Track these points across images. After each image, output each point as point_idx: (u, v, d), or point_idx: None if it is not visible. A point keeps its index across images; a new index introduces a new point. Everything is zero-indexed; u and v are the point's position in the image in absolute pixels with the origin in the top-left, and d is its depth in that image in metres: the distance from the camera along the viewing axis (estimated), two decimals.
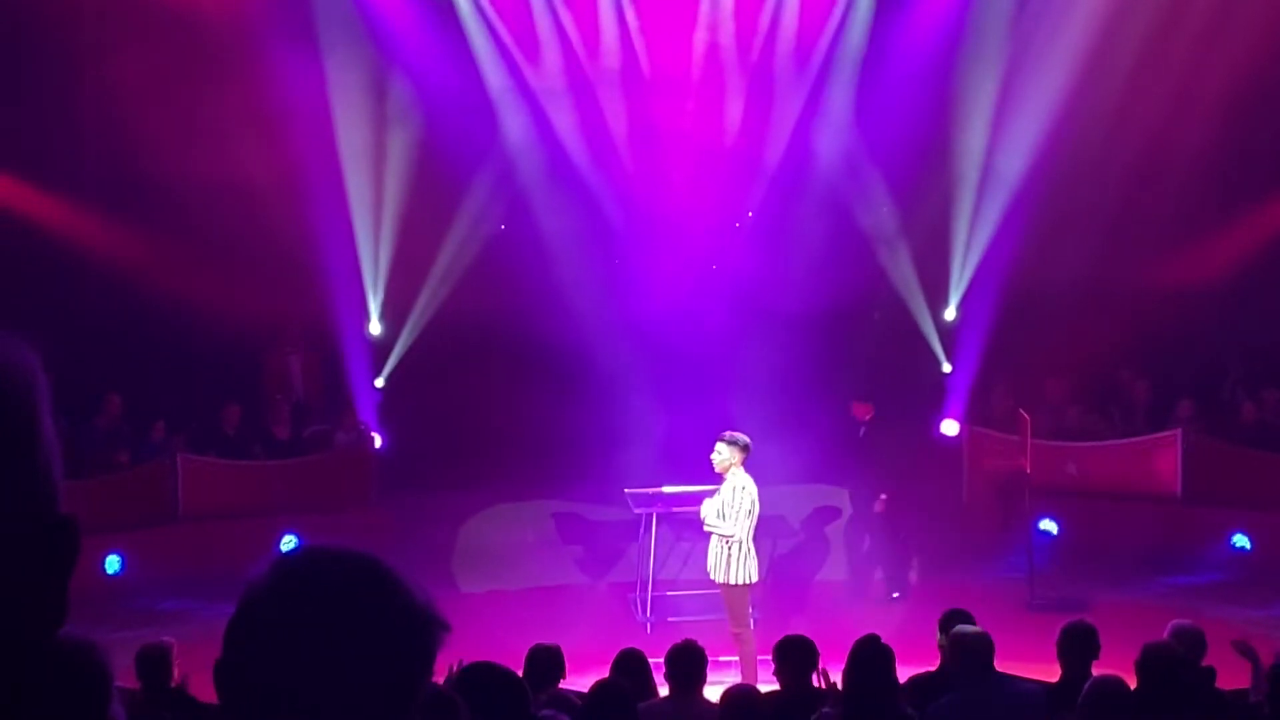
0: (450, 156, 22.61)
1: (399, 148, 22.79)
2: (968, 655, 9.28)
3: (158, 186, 20.91)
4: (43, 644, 1.88)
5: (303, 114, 21.79)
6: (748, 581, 14.74)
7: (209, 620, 15.87)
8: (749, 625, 14.87)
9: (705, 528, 14.90)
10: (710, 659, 9.98)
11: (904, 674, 9.30)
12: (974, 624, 10.12)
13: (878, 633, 9.11)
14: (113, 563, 19.23)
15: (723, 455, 14.79)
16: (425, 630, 2.38)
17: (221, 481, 21.08)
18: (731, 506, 14.64)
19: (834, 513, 20.64)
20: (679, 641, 9.92)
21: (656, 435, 20.19)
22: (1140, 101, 21.54)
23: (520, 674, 8.81)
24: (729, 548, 14.64)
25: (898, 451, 19.72)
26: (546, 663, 9.66)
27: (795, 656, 9.88)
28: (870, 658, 8.70)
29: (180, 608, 17.98)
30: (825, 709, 8.66)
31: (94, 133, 21.54)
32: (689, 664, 9.64)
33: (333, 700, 2.28)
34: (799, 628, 15.96)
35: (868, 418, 19.59)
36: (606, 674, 9.55)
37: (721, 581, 14.74)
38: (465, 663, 7.38)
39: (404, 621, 2.36)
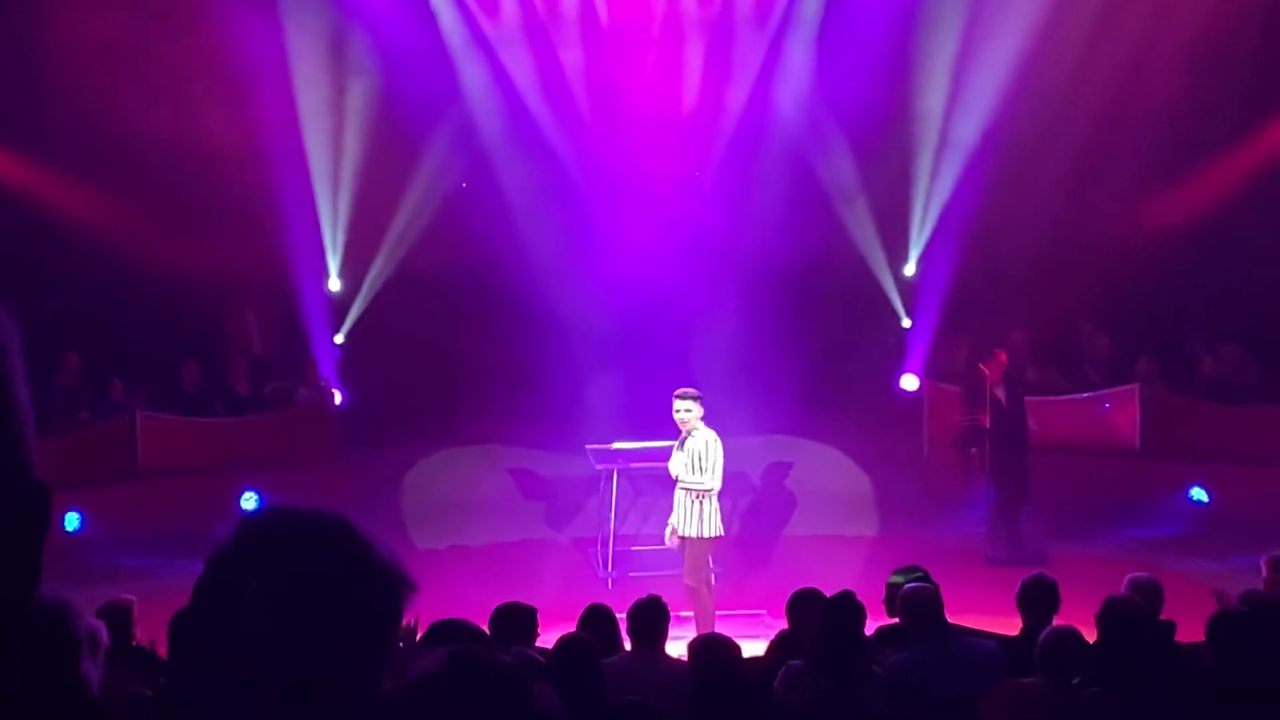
0: (410, 111, 22.50)
1: (358, 103, 22.66)
2: (918, 612, 9.32)
3: (117, 145, 20.75)
4: (17, 608, 1.86)
5: (262, 70, 21.63)
6: (715, 535, 14.75)
7: (169, 577, 15.87)
8: (709, 580, 14.89)
9: (681, 484, 14.78)
10: (673, 614, 9.99)
11: (870, 626, 9.33)
12: (928, 578, 10.14)
13: (835, 587, 9.15)
14: (72, 520, 19.18)
15: (693, 411, 14.73)
16: (392, 589, 2.37)
17: (181, 438, 21.03)
18: (706, 460, 14.61)
19: (793, 466, 20.78)
20: (642, 597, 9.93)
21: (617, 389, 20.20)
22: (1101, 55, 21.54)
23: (487, 630, 8.82)
24: (700, 501, 14.61)
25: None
26: (516, 621, 9.64)
27: (806, 609, 9.94)
28: (841, 613, 8.72)
29: (140, 565, 17.91)
30: (793, 661, 8.68)
31: (54, 91, 21.36)
32: (652, 619, 9.64)
33: (299, 659, 2.27)
34: (761, 583, 16.11)
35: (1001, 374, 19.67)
36: (570, 629, 9.55)
37: (693, 535, 14.68)
38: (430, 621, 7.38)
39: (371, 581, 2.34)
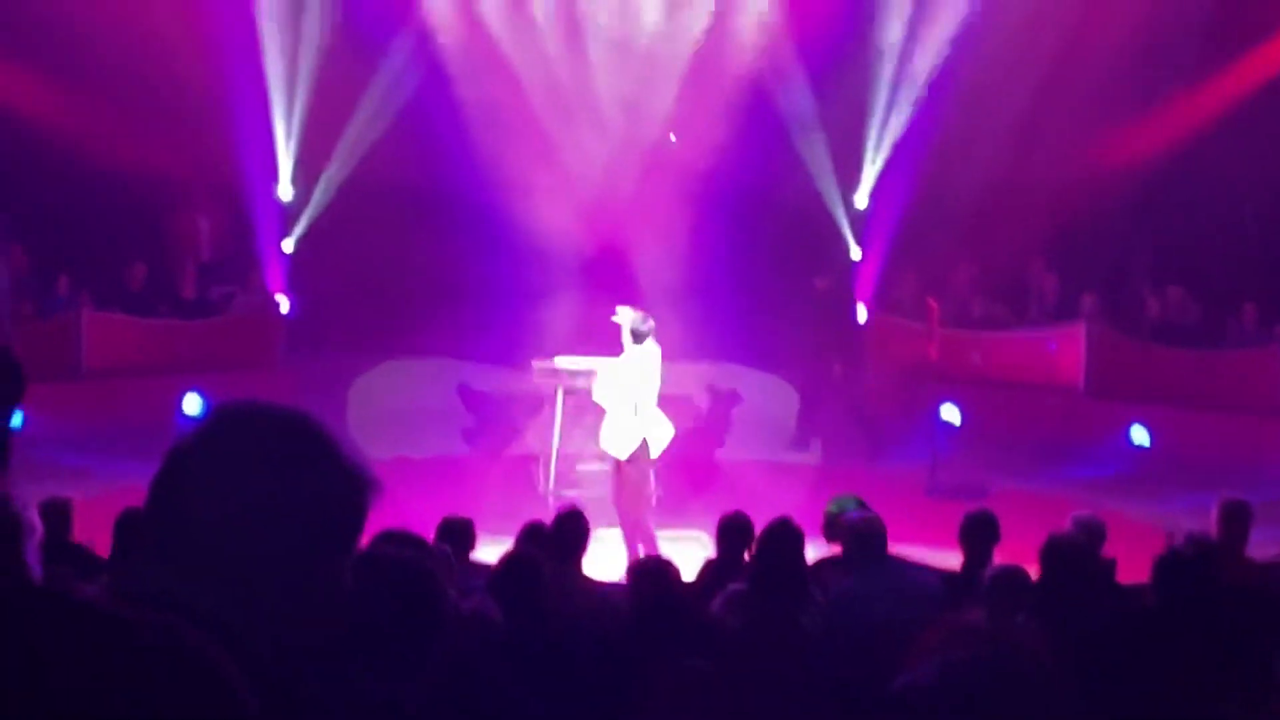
0: (368, 17, 22.30)
1: (316, 7, 22.42)
2: (860, 542, 9.33)
3: (74, 40, 20.51)
4: None
5: None
6: None
7: (109, 476, 15.80)
8: None
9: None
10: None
11: (810, 554, 9.35)
12: (866, 508, 10.17)
13: (776, 513, 9.17)
14: (14, 416, 19.00)
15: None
16: (359, 487, 2.35)
17: (126, 338, 20.94)
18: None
19: (737, 392, 20.89)
20: (563, 509, 9.95)
21: (567, 307, 20.15)
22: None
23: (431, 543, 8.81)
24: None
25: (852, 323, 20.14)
26: (457, 534, 9.64)
27: (734, 534, 9.97)
28: (781, 539, 8.75)
29: (81, 464, 17.79)
30: (734, 585, 8.71)
31: None
32: (572, 532, 9.66)
33: (262, 550, 2.25)
34: (701, 506, 16.10)
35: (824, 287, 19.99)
36: (511, 545, 9.55)
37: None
38: (374, 530, 7.36)
39: (338, 478, 2.33)
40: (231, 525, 2.24)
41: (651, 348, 14.52)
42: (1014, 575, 8.06)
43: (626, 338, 14.46)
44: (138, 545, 2.34)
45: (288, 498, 2.27)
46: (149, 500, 2.32)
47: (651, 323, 14.48)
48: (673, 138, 22.96)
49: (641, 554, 13.43)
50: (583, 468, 17.50)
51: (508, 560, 8.17)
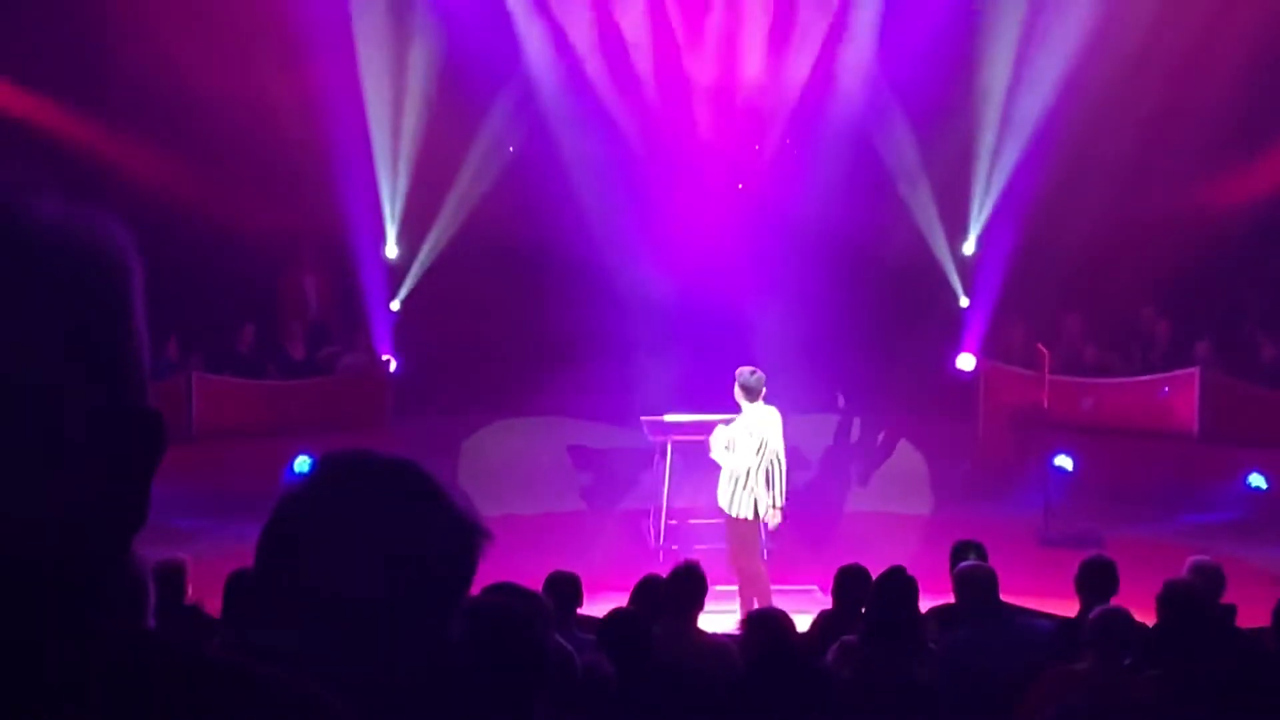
0: (470, 76, 22.42)
1: (419, 66, 22.59)
2: (972, 590, 9.29)
3: (177, 101, 20.75)
4: (123, 545, 1.80)
5: (324, 31, 21.57)
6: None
7: (220, 538, 15.87)
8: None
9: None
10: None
11: (923, 604, 9.26)
12: (984, 555, 10.11)
13: (888, 564, 9.09)
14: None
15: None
16: (469, 537, 2.33)
17: (236, 400, 21.08)
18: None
19: (848, 443, 20.79)
20: (679, 564, 9.89)
21: (675, 362, 20.15)
22: (1165, 38, 21.30)
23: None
24: None
25: None
26: (564, 589, 9.62)
27: (850, 585, 9.95)
28: (895, 588, 8.67)
29: (192, 526, 17.87)
30: (847, 636, 8.64)
31: (117, 48, 21.33)
32: (688, 586, 9.60)
33: (371, 604, 2.23)
34: (814, 559, 16.03)
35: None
36: (621, 601, 9.53)
37: None
38: (481, 588, 7.34)
39: (448, 527, 2.31)
40: (340, 575, 2.23)
41: (767, 408, 14.45)
42: (1117, 618, 7.92)
43: (739, 395, 14.40)
44: (250, 599, 2.33)
45: (396, 546, 2.25)
46: (258, 551, 2.31)
47: (761, 376, 14.40)
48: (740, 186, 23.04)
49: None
50: (693, 522, 17.46)
51: (610, 615, 8.16)
